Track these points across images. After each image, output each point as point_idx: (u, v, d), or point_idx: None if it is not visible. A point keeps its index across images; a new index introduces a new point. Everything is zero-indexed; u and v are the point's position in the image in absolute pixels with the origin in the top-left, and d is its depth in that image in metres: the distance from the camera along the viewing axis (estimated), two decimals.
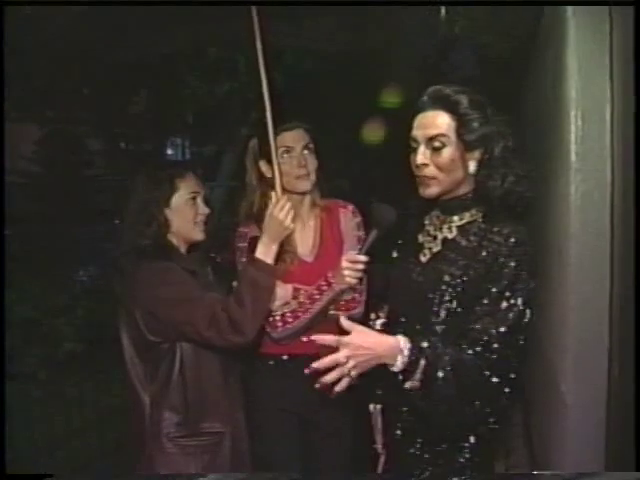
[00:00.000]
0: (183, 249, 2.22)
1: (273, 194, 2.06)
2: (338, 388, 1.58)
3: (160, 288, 2.05)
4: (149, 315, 2.06)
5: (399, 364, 1.54)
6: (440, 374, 1.54)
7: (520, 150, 1.68)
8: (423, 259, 1.74)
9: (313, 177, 2.27)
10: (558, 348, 2.27)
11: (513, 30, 2.96)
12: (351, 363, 1.55)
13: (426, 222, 1.80)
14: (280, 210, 2.04)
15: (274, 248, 2.06)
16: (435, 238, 1.74)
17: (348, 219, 2.36)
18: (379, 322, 1.83)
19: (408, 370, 1.55)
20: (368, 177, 5.45)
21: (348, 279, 1.87)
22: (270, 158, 2.16)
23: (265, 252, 2.07)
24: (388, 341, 1.58)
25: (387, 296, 1.85)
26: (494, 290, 1.59)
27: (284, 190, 2.17)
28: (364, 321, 1.85)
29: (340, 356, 1.56)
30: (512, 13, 2.72)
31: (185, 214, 2.17)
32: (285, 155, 2.23)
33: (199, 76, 5.23)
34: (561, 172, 2.21)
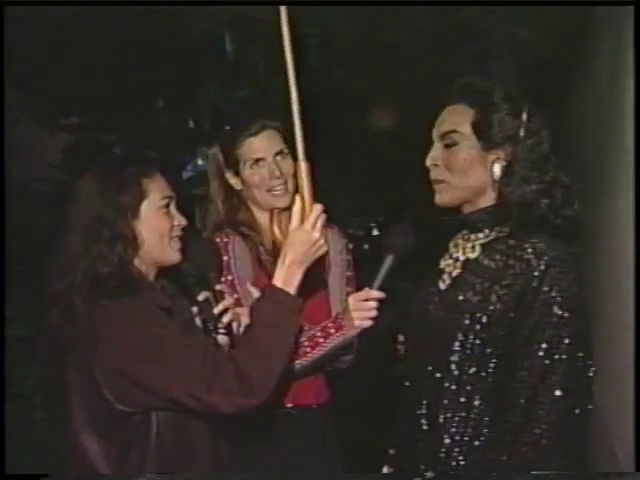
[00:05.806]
0: (152, 276, 1.73)
1: (297, 201, 1.55)
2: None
3: (132, 336, 1.56)
4: (117, 375, 1.56)
5: None
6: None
7: (562, 157, 1.49)
8: (442, 286, 1.53)
9: (291, 187, 1.98)
10: (616, 415, 1.94)
11: (557, 24, 2.88)
12: None
13: (451, 244, 1.58)
14: (314, 223, 1.53)
15: (299, 275, 1.56)
16: (457, 260, 1.53)
17: (335, 240, 2.04)
18: (403, 348, 1.63)
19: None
20: (401, 192, 5.09)
21: (358, 322, 1.66)
22: (237, 169, 1.99)
23: (287, 279, 1.57)
24: None
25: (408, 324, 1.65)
26: (524, 331, 1.34)
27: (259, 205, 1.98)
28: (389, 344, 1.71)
29: None
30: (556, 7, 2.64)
31: (158, 227, 1.68)
32: (255, 166, 1.98)
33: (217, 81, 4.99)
34: (621, 188, 1.99)
